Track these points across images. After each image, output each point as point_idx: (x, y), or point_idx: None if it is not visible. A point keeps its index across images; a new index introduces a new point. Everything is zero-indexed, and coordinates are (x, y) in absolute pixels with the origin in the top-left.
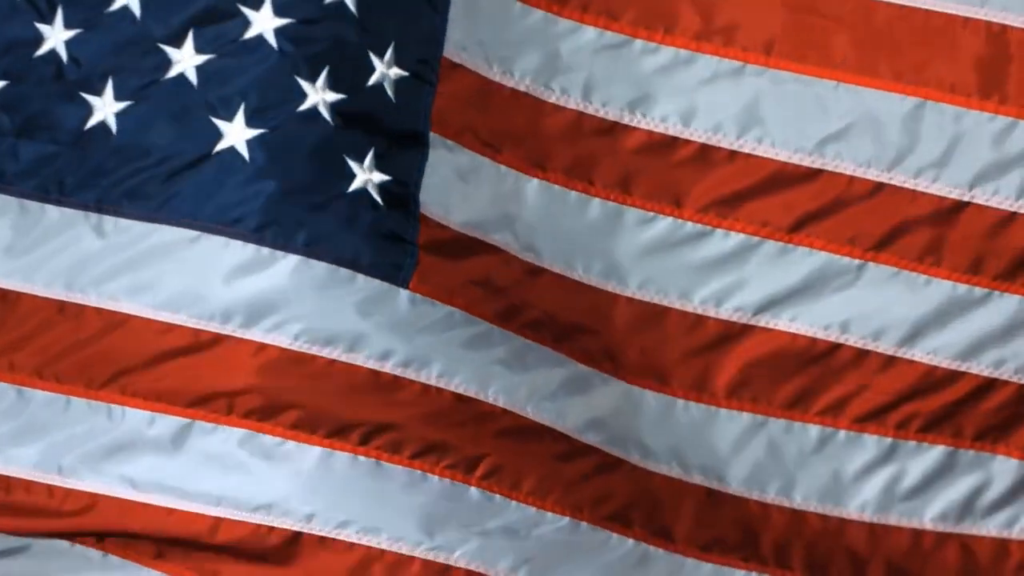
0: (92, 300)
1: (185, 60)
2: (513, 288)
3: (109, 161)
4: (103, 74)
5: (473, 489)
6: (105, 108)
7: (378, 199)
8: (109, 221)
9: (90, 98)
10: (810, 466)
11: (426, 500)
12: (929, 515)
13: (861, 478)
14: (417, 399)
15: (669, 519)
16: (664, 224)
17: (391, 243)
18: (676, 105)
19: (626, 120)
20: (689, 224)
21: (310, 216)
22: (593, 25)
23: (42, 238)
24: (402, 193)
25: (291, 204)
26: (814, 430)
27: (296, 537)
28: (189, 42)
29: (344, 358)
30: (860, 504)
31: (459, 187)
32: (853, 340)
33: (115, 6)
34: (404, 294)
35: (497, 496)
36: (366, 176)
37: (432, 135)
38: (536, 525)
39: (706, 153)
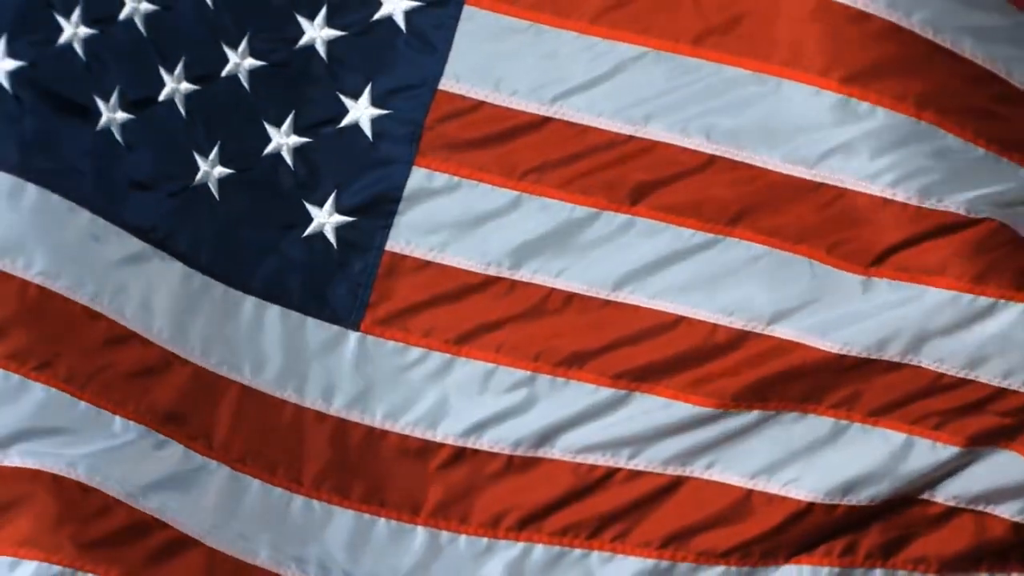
0: None
1: (176, 86)
2: (479, 308)
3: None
4: (112, 82)
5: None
6: (111, 115)
7: (334, 242)
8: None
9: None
10: (822, 456)
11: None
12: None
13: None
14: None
15: None
16: (674, 233)
17: (341, 287)
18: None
19: (639, 134)
20: (700, 234)
21: (265, 260)
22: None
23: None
24: (365, 236)
25: (248, 246)
26: (828, 422)
27: None
28: (179, 69)
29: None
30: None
31: (441, 215)
32: (856, 351)
33: (123, 15)
34: (354, 336)
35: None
36: (324, 220)
37: (415, 169)
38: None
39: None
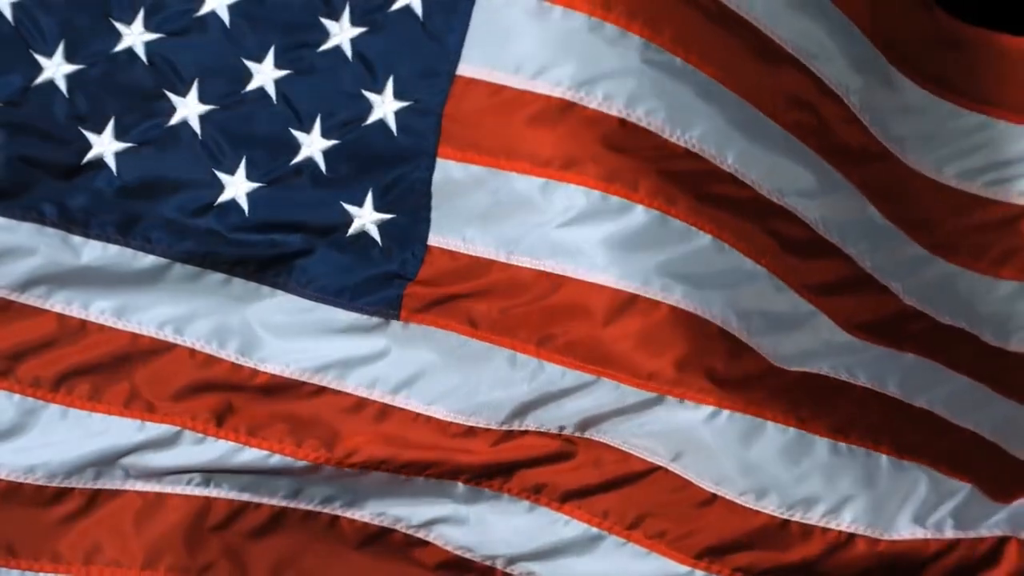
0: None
1: (190, 109)
2: (517, 299)
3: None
4: (104, 113)
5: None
6: (105, 147)
7: (378, 240)
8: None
9: (90, 135)
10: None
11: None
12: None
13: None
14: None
15: None
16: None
17: (386, 281)
18: (712, 122)
19: (666, 135)
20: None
21: (306, 263)
22: (639, 35)
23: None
24: (406, 230)
25: (289, 253)
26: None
27: None
28: (194, 92)
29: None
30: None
31: (469, 207)
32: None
33: (119, 47)
34: (395, 324)
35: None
36: (365, 219)
37: (439, 161)
38: None
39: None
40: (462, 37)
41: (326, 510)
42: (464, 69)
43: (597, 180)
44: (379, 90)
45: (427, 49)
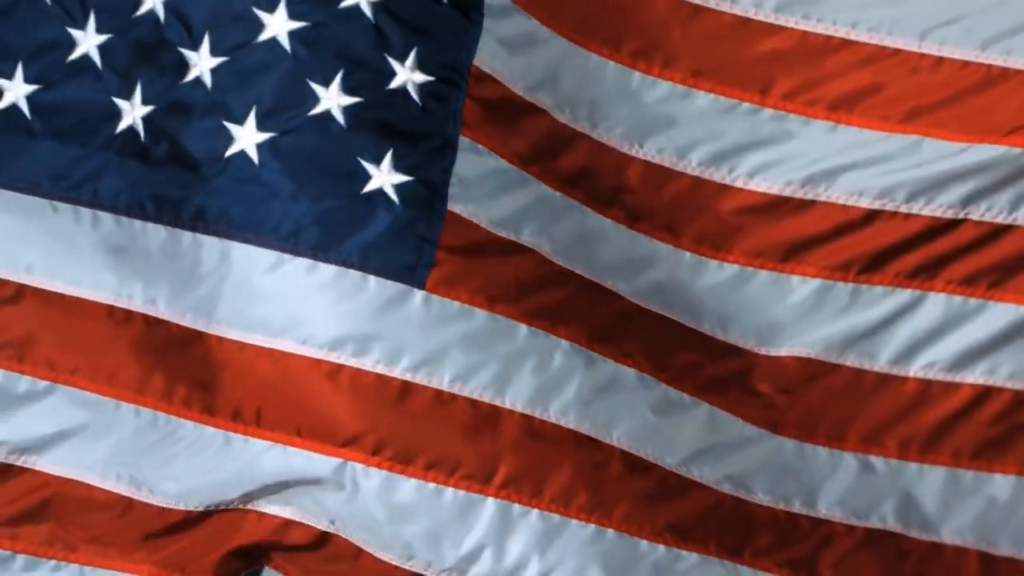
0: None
1: (202, 63)
2: (544, 290)
3: (141, 168)
4: (132, 79)
5: (490, 500)
6: (133, 112)
7: (395, 199)
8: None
9: (120, 102)
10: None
11: (442, 516)
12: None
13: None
14: (429, 407)
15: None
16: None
17: (406, 244)
18: (671, 138)
19: (625, 149)
20: (687, 255)
21: (320, 218)
22: (597, 53)
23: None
24: (426, 193)
25: (300, 207)
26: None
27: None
28: (205, 45)
29: (352, 363)
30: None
31: (490, 189)
32: (850, 361)
33: (141, 11)
34: (419, 295)
35: (516, 506)
36: (383, 178)
37: (462, 139)
38: (559, 533)
39: (700, 186)
40: (479, 28)
41: (364, 548)
42: (480, 60)
43: (586, 195)
44: (401, 59)
45: (448, 29)
